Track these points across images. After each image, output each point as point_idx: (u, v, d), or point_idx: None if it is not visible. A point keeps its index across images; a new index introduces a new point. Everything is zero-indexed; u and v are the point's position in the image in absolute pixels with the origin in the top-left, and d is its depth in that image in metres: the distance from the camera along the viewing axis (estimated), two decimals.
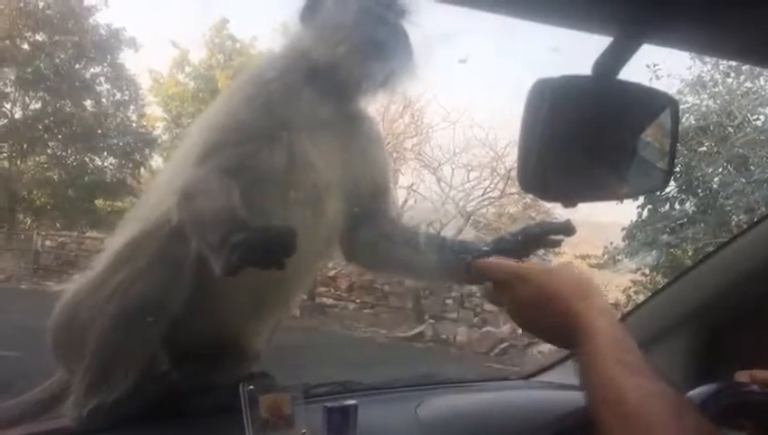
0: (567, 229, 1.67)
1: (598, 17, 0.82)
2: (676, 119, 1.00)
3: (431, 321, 11.38)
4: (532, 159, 0.80)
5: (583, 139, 0.87)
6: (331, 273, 11.83)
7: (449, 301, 12.11)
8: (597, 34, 0.85)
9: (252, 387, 1.40)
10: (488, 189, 13.09)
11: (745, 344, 1.84)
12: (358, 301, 12.65)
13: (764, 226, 1.86)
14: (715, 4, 0.88)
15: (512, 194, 12.54)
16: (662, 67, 9.26)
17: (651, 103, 0.98)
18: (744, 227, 2.19)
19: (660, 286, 2.90)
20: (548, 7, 0.81)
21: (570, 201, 0.94)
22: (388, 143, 12.67)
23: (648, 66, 8.37)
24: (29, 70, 15.28)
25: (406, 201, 13.13)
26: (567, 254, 13.01)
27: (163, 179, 1.73)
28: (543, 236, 1.69)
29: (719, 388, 1.33)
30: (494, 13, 0.86)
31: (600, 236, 11.39)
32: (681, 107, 9.51)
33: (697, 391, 1.32)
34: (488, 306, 11.53)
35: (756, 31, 0.94)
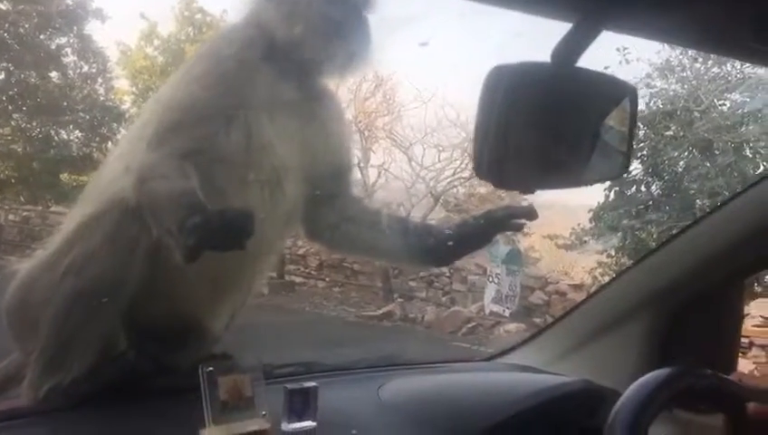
0: (530, 214, 1.69)
1: (556, 3, 0.82)
2: (635, 107, 1.00)
3: (400, 300, 11.44)
4: (488, 147, 0.80)
5: (540, 126, 0.86)
6: (301, 251, 11.80)
7: (418, 281, 12.18)
8: (556, 20, 0.85)
9: (211, 368, 1.39)
10: (458, 170, 13.12)
11: (703, 328, 1.88)
12: (327, 279, 12.65)
13: (724, 211, 1.90)
14: None
15: None
16: (631, 51, 9.36)
17: (610, 91, 0.98)
18: (707, 211, 2.22)
19: (624, 268, 2.95)
20: None
21: (527, 189, 0.94)
22: (360, 122, 12.64)
23: (617, 50, 8.46)
24: None
25: (377, 180, 13.13)
26: (535, 234, 13.22)
27: (117, 156, 1.69)
28: (506, 220, 1.71)
29: (675, 371, 1.36)
30: None
31: (568, 217, 11.55)
32: (649, 91, 9.67)
33: (654, 374, 1.35)
34: (457, 286, 11.65)
35: (715, 19, 0.95)
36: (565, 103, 0.90)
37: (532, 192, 0.96)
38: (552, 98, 0.88)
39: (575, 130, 0.94)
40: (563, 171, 0.94)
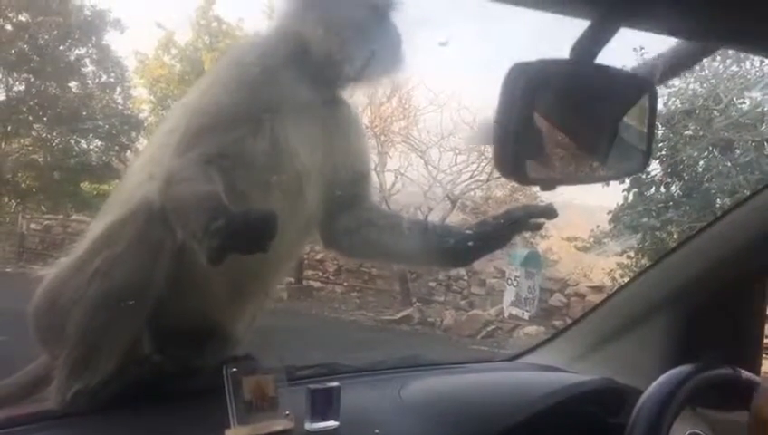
0: (549, 212, 1.69)
1: (574, 1, 0.82)
2: (654, 102, 1.00)
3: (418, 304, 11.42)
4: (509, 144, 0.81)
5: (560, 123, 0.87)
6: (319, 256, 11.82)
7: (436, 284, 12.15)
8: (574, 18, 0.85)
9: (235, 369, 1.41)
10: (475, 173, 13.08)
11: (725, 327, 1.87)
12: (345, 284, 12.66)
13: (744, 209, 1.88)
14: None
15: (499, 178, 12.53)
16: (648, 51, 9.27)
17: (629, 87, 0.98)
18: (727, 209, 2.20)
19: (644, 268, 2.93)
20: None
21: (547, 185, 0.95)
22: (376, 126, 12.64)
23: (634, 49, 8.37)
24: (12, 51, 15.06)
25: (393, 185, 13.13)
26: (554, 236, 13.14)
27: (142, 162, 1.72)
28: (526, 220, 1.70)
29: (696, 368, 1.36)
30: None
31: (587, 219, 11.47)
32: (667, 90, 9.59)
33: (675, 371, 1.35)
34: (475, 289, 11.62)
35: (736, 15, 0.95)
36: (585, 100, 0.90)
37: (553, 188, 0.97)
38: (572, 95, 0.88)
39: (595, 127, 0.94)
40: (584, 167, 0.95)
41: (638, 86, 1.00)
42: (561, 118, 0.87)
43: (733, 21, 0.94)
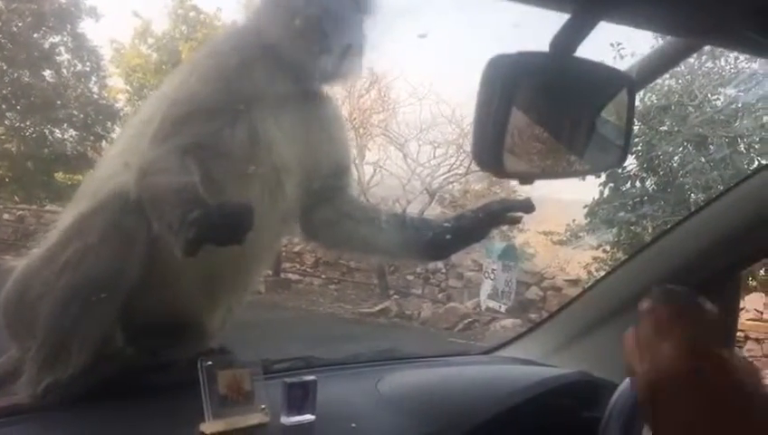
0: (527, 207, 1.70)
1: None
2: (632, 97, 1.00)
3: (396, 297, 11.46)
4: (488, 137, 0.80)
5: (539, 116, 0.87)
6: (297, 248, 11.80)
7: (414, 277, 12.20)
8: (554, 10, 0.85)
9: (210, 363, 1.39)
10: (454, 166, 13.14)
11: None
12: (323, 276, 12.66)
13: (719, 204, 1.90)
14: None
15: (477, 171, 12.60)
16: (626, 46, 9.35)
17: (608, 82, 0.98)
18: (702, 204, 2.23)
19: (620, 262, 2.96)
20: None
21: (526, 178, 0.95)
22: (355, 119, 12.63)
23: (611, 45, 8.45)
24: None
25: (372, 177, 13.14)
26: (531, 230, 13.24)
27: (115, 152, 1.69)
28: (503, 213, 1.71)
29: None
30: None
31: (564, 213, 11.56)
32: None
33: None
34: (453, 282, 11.68)
35: (713, 10, 0.95)
36: (563, 93, 0.90)
37: (531, 182, 0.97)
38: (551, 88, 0.88)
39: (574, 120, 0.94)
40: (562, 161, 0.95)
41: (617, 80, 1.00)
42: (540, 111, 0.87)
43: (710, 17, 0.95)
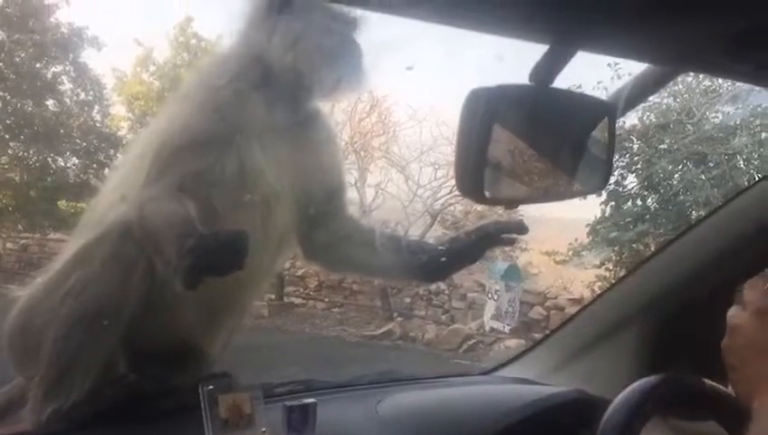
0: (520, 228, 1.73)
1: (531, 26, 0.86)
2: (613, 124, 1.04)
3: (399, 319, 11.41)
4: (469, 165, 0.84)
5: (520, 145, 0.90)
6: (300, 272, 11.79)
7: (417, 298, 12.15)
8: (533, 42, 0.88)
9: (211, 387, 1.42)
10: (455, 188, 13.09)
11: (696, 336, 1.90)
12: (326, 300, 12.62)
13: (713, 221, 1.92)
14: (648, 13, 0.92)
15: None
16: (623, 66, 9.41)
17: (589, 109, 1.02)
18: (697, 220, 2.24)
19: (616, 280, 2.97)
20: (484, 18, 0.84)
21: (509, 205, 0.98)
22: (356, 142, 12.67)
23: (609, 65, 8.49)
24: None
25: (374, 200, 13.14)
26: (533, 250, 13.21)
27: (113, 185, 1.73)
28: (497, 235, 1.74)
29: (664, 378, 1.39)
30: (437, 23, 0.89)
31: (566, 232, 11.55)
32: (643, 105, 9.72)
33: (642, 382, 1.37)
34: (456, 303, 11.64)
35: (686, 39, 0.98)
36: (543, 123, 0.93)
37: (515, 208, 1.00)
38: (531, 118, 0.91)
39: (554, 148, 0.97)
40: (544, 187, 0.98)
41: (597, 109, 1.03)
42: (520, 140, 0.90)
43: (684, 45, 0.98)
